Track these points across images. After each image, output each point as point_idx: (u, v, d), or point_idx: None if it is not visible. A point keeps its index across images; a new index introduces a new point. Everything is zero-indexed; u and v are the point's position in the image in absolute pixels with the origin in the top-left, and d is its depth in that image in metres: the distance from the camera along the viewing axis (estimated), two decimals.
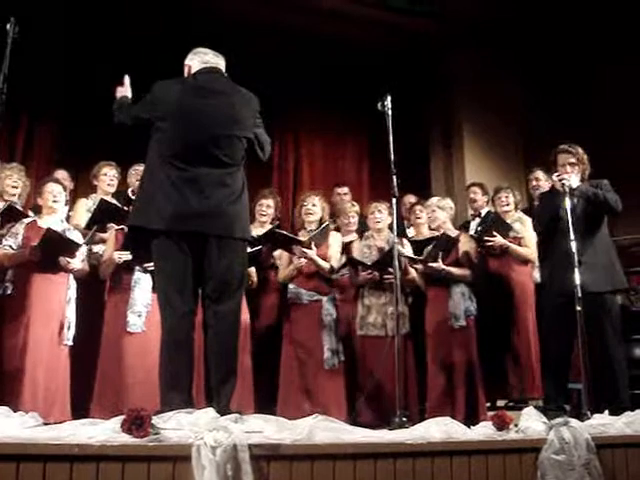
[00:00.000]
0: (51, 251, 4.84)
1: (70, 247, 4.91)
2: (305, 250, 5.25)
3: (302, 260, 5.30)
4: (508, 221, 5.85)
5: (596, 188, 4.84)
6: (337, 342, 5.28)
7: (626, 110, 8.32)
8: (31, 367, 4.67)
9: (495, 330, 5.68)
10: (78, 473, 2.47)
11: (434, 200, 5.90)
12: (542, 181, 6.41)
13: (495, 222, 5.83)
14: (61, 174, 6.20)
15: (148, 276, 4.85)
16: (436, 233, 5.85)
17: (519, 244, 5.81)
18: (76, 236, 5.10)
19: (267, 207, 5.85)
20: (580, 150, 5.00)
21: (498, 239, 5.71)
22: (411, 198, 6.75)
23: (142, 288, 4.91)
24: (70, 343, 4.90)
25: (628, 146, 8.20)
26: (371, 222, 5.68)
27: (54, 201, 5.09)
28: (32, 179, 5.92)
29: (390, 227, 5.51)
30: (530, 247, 5.81)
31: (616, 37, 8.21)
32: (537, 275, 5.88)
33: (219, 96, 3.63)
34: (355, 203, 6.36)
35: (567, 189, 4.71)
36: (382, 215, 5.58)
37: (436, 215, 5.71)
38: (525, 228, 5.86)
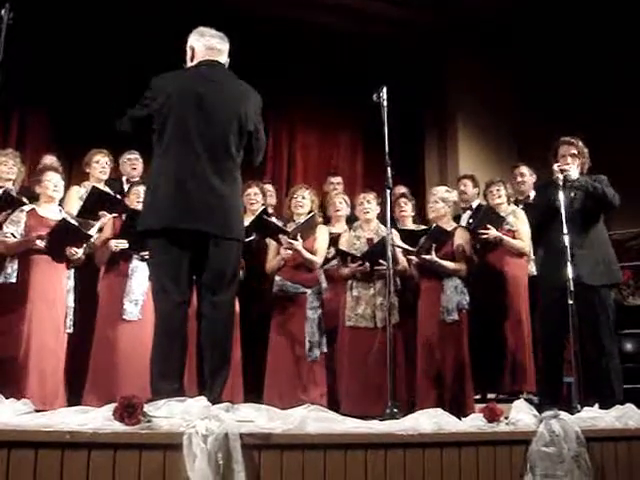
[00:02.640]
0: (60, 241, 4.85)
1: (81, 238, 4.94)
2: (291, 241, 5.27)
3: (288, 251, 5.31)
4: (502, 214, 5.86)
5: (594, 182, 4.84)
6: (320, 335, 5.32)
7: (618, 108, 8.34)
8: (36, 355, 4.72)
9: (488, 323, 5.70)
10: (69, 460, 2.47)
11: (441, 190, 5.81)
12: (527, 176, 6.45)
13: (488, 215, 5.83)
14: (49, 159, 6.18)
15: (145, 264, 4.85)
16: (422, 227, 5.88)
17: (513, 237, 5.82)
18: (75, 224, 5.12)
19: (255, 195, 5.89)
20: (581, 143, 5.01)
21: (492, 232, 5.71)
22: (401, 189, 6.74)
23: (140, 276, 4.92)
24: (70, 331, 4.92)
25: (620, 143, 8.23)
26: (359, 213, 5.69)
27: (54, 190, 5.10)
28: (26, 166, 5.89)
29: (379, 218, 5.55)
30: (524, 240, 5.82)
31: (610, 39, 8.22)
32: (532, 268, 5.90)
33: (221, 87, 3.59)
34: (339, 193, 6.37)
35: (567, 180, 4.72)
36: (370, 205, 5.59)
37: (437, 206, 5.66)
38: (519, 221, 5.87)
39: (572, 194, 4.79)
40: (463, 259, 5.45)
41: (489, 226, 5.72)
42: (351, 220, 6.04)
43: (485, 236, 5.71)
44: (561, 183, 4.74)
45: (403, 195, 6.23)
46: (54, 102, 7.83)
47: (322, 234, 5.58)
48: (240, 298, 5.03)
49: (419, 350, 5.37)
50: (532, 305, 5.73)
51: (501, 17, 8.40)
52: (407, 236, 5.62)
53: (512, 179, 6.59)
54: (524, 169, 6.49)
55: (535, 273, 5.80)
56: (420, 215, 6.45)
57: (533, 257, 5.87)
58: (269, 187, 6.59)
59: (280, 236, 5.39)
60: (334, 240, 5.68)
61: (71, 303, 4.98)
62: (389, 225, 4.29)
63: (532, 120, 8.64)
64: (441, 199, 5.67)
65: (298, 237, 5.31)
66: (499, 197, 6.00)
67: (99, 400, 4.31)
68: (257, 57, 7.42)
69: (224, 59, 3.74)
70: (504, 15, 8.36)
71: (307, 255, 5.36)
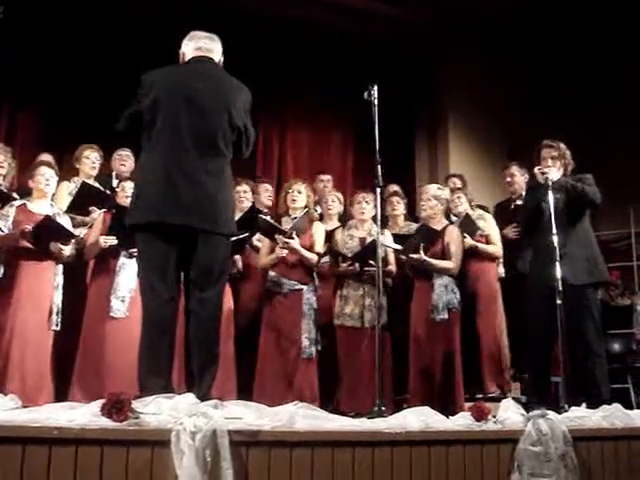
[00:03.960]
0: (45, 237, 4.83)
1: (65, 236, 4.91)
2: (287, 240, 5.25)
3: (284, 251, 5.30)
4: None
5: (578, 182, 4.89)
6: (316, 331, 5.31)
7: (611, 110, 8.39)
8: (19, 351, 4.70)
9: (468, 326, 5.72)
10: (57, 456, 2.46)
11: (432, 188, 5.81)
12: (517, 176, 6.51)
13: (465, 224, 5.85)
14: (46, 157, 6.15)
15: (133, 261, 4.84)
16: (413, 225, 5.88)
17: (486, 242, 5.89)
18: (66, 221, 5.11)
19: (244, 192, 5.90)
20: (562, 145, 5.08)
21: (467, 240, 5.73)
22: (394, 187, 6.75)
23: (127, 273, 4.91)
24: (57, 328, 4.90)
25: (611, 144, 8.28)
26: (356, 212, 5.68)
27: (46, 184, 5.08)
28: (16, 162, 5.86)
29: (373, 218, 5.54)
30: (497, 244, 5.93)
31: (607, 38, 8.26)
32: (501, 270, 6.04)
33: (212, 82, 3.59)
34: (332, 190, 6.37)
35: (549, 182, 4.77)
36: (368, 206, 5.58)
37: (431, 204, 5.65)
38: (488, 225, 5.96)
39: (556, 195, 4.83)
40: (453, 257, 5.46)
41: (465, 235, 5.74)
42: (344, 218, 6.03)
43: None
44: (543, 185, 4.79)
45: (396, 193, 6.23)
46: (44, 98, 7.79)
47: (318, 230, 5.57)
48: (234, 294, 5.05)
49: (411, 349, 5.38)
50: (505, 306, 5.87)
51: (499, 17, 8.39)
52: (401, 239, 5.63)
53: (502, 179, 6.64)
54: (514, 169, 6.54)
55: (504, 275, 6.01)
56: (411, 214, 6.47)
57: (502, 260, 6.01)
58: (268, 186, 6.57)
59: (276, 235, 5.37)
60: (328, 237, 5.69)
61: (58, 300, 4.95)
62: (379, 223, 4.29)
63: (524, 121, 8.65)
64: (434, 197, 5.66)
65: (294, 235, 5.30)
66: (461, 205, 6.06)
67: (87, 396, 4.30)
68: (250, 55, 7.39)
69: (216, 58, 3.74)
70: (502, 15, 8.35)
71: (305, 253, 5.33)
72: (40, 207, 5.05)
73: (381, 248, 4.30)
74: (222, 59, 3.79)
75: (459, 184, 6.63)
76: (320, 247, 5.48)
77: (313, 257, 5.39)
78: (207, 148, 3.48)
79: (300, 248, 5.30)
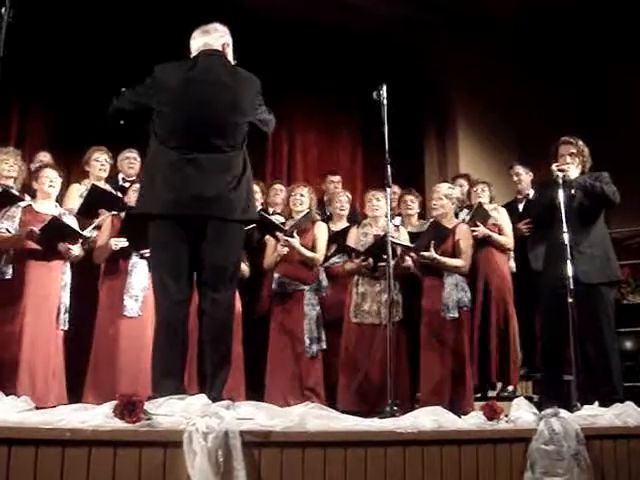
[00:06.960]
0: (52, 238, 4.84)
1: (73, 236, 4.92)
2: (287, 238, 5.29)
3: (284, 248, 5.34)
4: None
5: (595, 180, 4.84)
6: (318, 331, 5.34)
7: (621, 105, 8.36)
8: (28, 352, 4.70)
9: (483, 319, 5.73)
10: (70, 458, 2.46)
11: (443, 187, 5.82)
12: (523, 175, 6.55)
13: (478, 212, 5.86)
14: (43, 155, 6.15)
15: (145, 261, 4.85)
16: (425, 224, 5.87)
17: (499, 232, 5.92)
18: (72, 221, 5.11)
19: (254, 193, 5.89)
20: (581, 142, 5.03)
21: (481, 229, 5.75)
22: (395, 188, 6.73)
23: (139, 272, 4.93)
24: (65, 328, 4.91)
25: (622, 140, 8.25)
26: (369, 210, 5.71)
27: (50, 186, 5.09)
28: (25, 164, 5.87)
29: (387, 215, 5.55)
30: (509, 236, 5.96)
31: (612, 37, 8.24)
32: (513, 264, 6.06)
33: (220, 81, 3.58)
34: (342, 191, 6.37)
35: (565, 179, 4.74)
36: (380, 203, 5.59)
37: (442, 203, 5.66)
38: (502, 217, 5.99)
39: (572, 192, 4.80)
40: (464, 254, 5.45)
41: (479, 224, 5.75)
42: (352, 217, 6.03)
43: (475, 233, 5.73)
44: (560, 182, 4.75)
45: (409, 192, 6.23)
46: (54, 100, 7.81)
47: (321, 231, 5.60)
48: (242, 295, 5.06)
49: (421, 347, 5.38)
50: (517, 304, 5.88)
51: (503, 15, 8.38)
52: (415, 238, 5.63)
53: (511, 179, 6.65)
54: (519, 169, 6.61)
55: (515, 270, 6.02)
56: (420, 213, 6.46)
57: (513, 255, 6.03)
58: (281, 186, 6.53)
59: (278, 233, 5.41)
60: (335, 237, 5.70)
61: (66, 300, 4.95)
62: (389, 221, 4.31)
63: (533, 119, 8.63)
64: (445, 196, 5.67)
65: (294, 234, 5.33)
66: (484, 196, 6.10)
67: (100, 397, 4.31)
68: (258, 56, 7.37)
69: (220, 43, 3.72)
70: (506, 13, 8.34)
71: (304, 252, 5.40)
72: (45, 208, 5.06)
73: (392, 245, 4.30)
74: (230, 43, 3.76)
75: (466, 184, 6.63)
76: (322, 248, 5.51)
77: (313, 256, 5.44)
78: (217, 147, 3.47)
79: (300, 247, 5.37)
